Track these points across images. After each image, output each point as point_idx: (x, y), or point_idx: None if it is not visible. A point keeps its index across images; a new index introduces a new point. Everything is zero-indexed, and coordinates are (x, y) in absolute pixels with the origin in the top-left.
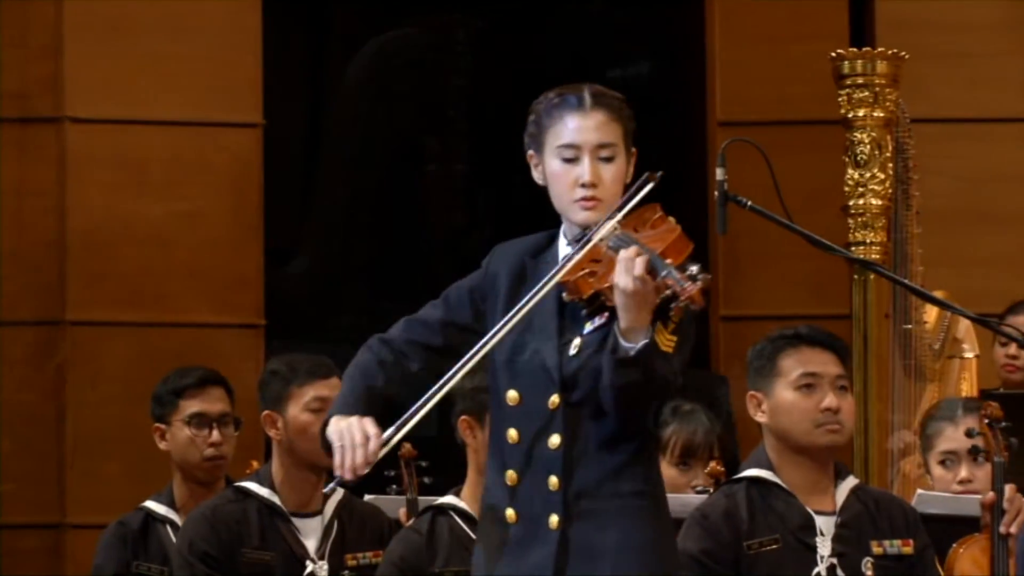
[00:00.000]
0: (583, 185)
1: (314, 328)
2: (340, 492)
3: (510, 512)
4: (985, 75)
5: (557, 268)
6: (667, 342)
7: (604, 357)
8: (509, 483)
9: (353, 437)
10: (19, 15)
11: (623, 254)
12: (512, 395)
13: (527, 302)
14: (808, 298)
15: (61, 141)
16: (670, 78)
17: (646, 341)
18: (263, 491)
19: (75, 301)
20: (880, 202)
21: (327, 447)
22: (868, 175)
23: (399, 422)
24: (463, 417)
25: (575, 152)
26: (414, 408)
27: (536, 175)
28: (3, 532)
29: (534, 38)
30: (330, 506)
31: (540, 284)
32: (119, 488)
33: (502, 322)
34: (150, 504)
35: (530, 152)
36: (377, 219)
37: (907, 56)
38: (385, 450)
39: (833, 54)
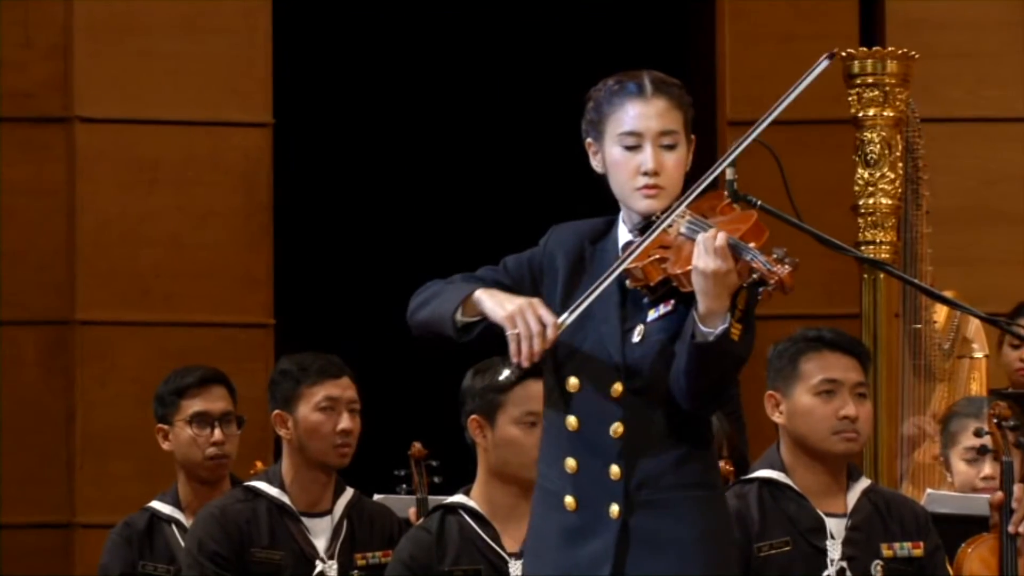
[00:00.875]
0: (645, 173)
1: (325, 328)
2: (349, 492)
3: (570, 499)
4: (995, 75)
5: (628, 252)
6: (734, 330)
7: (680, 343)
8: (568, 471)
9: (530, 325)
10: (29, 15)
11: (703, 236)
12: (573, 382)
13: (605, 278)
14: (818, 297)
15: (71, 141)
16: (679, 77)
17: (725, 326)
18: (273, 491)
19: (85, 301)
20: (890, 201)
21: (464, 330)
22: (878, 175)
23: (573, 307)
24: (473, 417)
25: (637, 140)
26: (587, 292)
27: (595, 163)
28: (12, 531)
29: (542, 35)
30: (340, 506)
31: (614, 266)
32: (128, 488)
33: (584, 294)
34: (155, 504)
35: (588, 140)
36: (389, 218)
37: (917, 56)
38: (560, 332)
39: (843, 53)
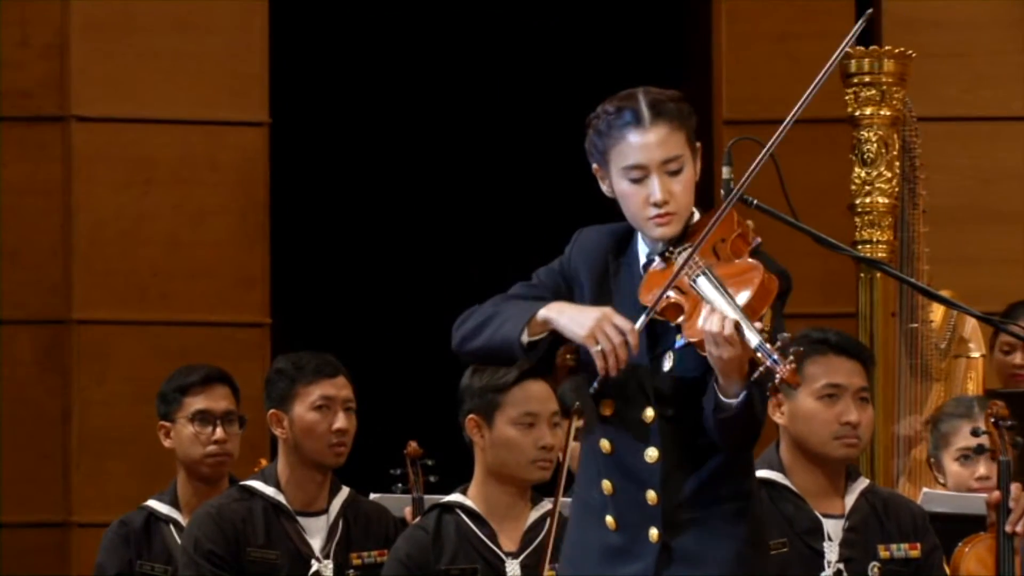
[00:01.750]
0: (655, 204)
1: (321, 327)
2: (345, 491)
3: (610, 519)
4: (992, 74)
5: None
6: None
7: (707, 406)
8: (605, 492)
9: (611, 338)
10: (25, 13)
11: (707, 326)
12: (605, 405)
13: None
14: (815, 297)
15: (67, 140)
16: (676, 76)
17: (746, 393)
18: (268, 490)
19: (81, 300)
20: (887, 201)
21: (531, 350)
22: (875, 174)
23: (649, 310)
24: (471, 416)
25: (642, 172)
26: (661, 291)
27: (604, 188)
28: (9, 530)
29: (539, 34)
30: (335, 505)
31: (638, 324)
32: (125, 487)
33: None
34: (152, 503)
35: (595, 166)
36: (385, 217)
37: (914, 55)
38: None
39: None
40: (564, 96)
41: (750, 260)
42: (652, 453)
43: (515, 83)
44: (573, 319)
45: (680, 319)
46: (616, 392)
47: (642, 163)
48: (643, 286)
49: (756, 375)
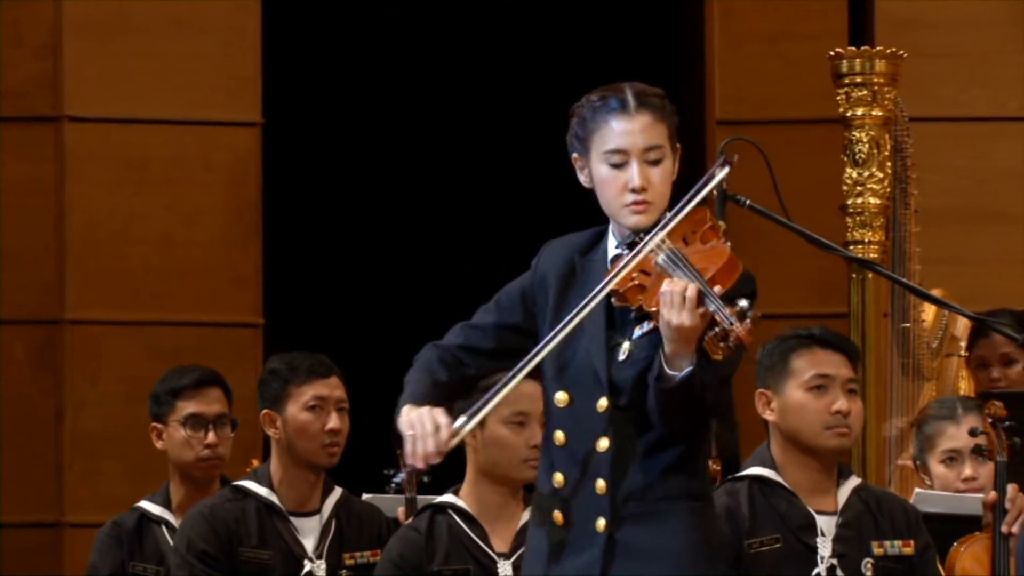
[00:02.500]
0: (633, 190)
1: (314, 327)
2: (337, 492)
3: (557, 515)
4: (984, 74)
5: (608, 277)
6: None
7: (649, 381)
8: (556, 485)
9: (424, 426)
10: (18, 13)
11: (668, 286)
12: (561, 396)
13: (583, 307)
14: (807, 297)
15: (60, 140)
16: (669, 76)
17: (691, 368)
18: (261, 490)
19: (74, 300)
20: (878, 201)
21: (399, 442)
22: (866, 174)
23: (469, 412)
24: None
25: (623, 157)
26: (484, 399)
27: (582, 178)
28: (2, 531)
29: (532, 34)
30: (328, 505)
31: (593, 292)
32: (118, 487)
33: (561, 323)
34: (145, 504)
35: (575, 155)
36: (378, 218)
37: (906, 55)
38: (456, 441)
39: (832, 53)
40: (556, 95)
41: (722, 245)
42: (603, 443)
43: (507, 82)
44: (405, 414)
45: (638, 303)
46: (571, 383)
47: (624, 147)
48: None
49: (712, 334)
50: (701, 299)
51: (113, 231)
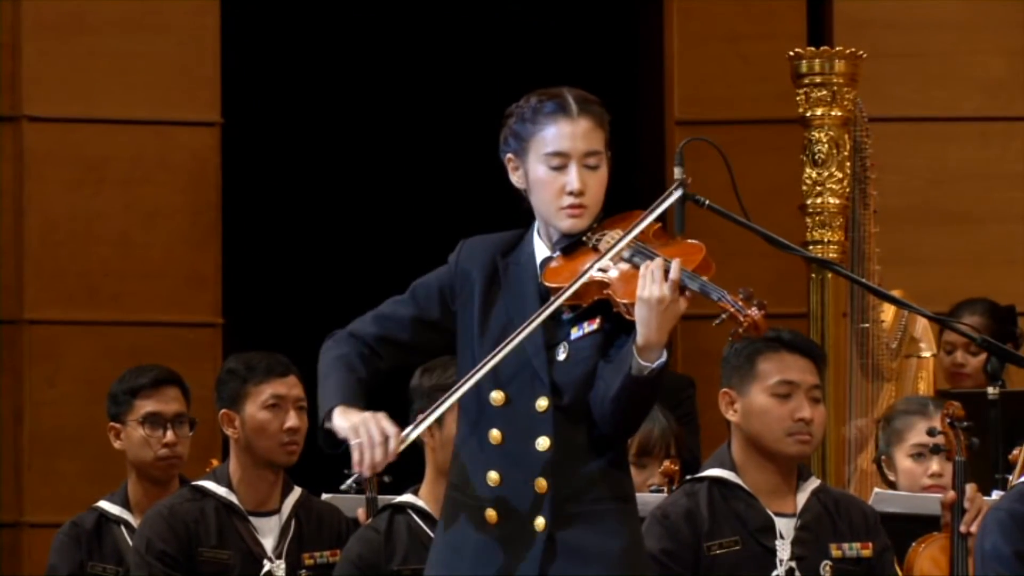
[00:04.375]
0: (571, 193)
1: (272, 327)
2: (297, 491)
3: (491, 512)
4: (942, 75)
5: (564, 290)
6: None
7: (609, 369)
8: (491, 484)
9: (372, 435)
10: None
11: (650, 264)
12: (497, 396)
13: (547, 307)
14: (766, 297)
15: (19, 140)
16: (628, 77)
17: (663, 360)
18: (220, 490)
19: (33, 300)
20: (838, 201)
21: (329, 441)
22: (826, 174)
23: (418, 420)
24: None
25: (563, 160)
26: (434, 407)
27: (515, 178)
28: None
29: (492, 34)
30: (287, 505)
31: (557, 295)
32: (77, 487)
33: (524, 324)
34: (103, 504)
35: (508, 155)
36: (337, 218)
37: (865, 55)
38: (403, 447)
39: (791, 53)
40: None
41: (691, 241)
42: (543, 442)
43: (466, 81)
44: (347, 416)
45: (602, 294)
46: (507, 382)
47: (565, 150)
48: (547, 273)
49: (718, 322)
50: (704, 293)
51: (72, 231)
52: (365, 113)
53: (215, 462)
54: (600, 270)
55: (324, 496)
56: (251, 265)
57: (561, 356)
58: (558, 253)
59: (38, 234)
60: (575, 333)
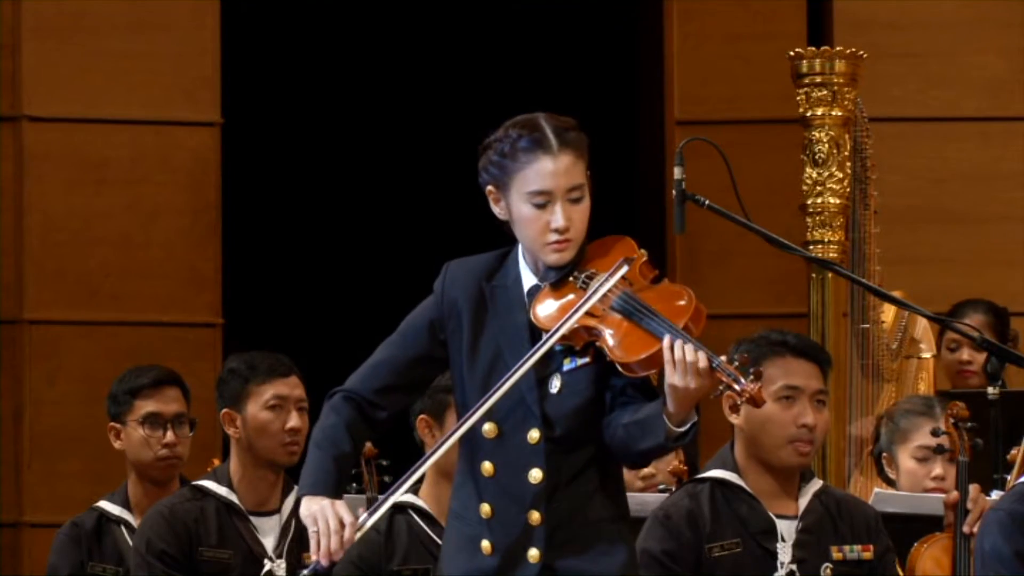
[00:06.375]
0: (556, 230)
1: (273, 327)
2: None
3: (486, 544)
4: (942, 75)
5: (551, 332)
6: None
7: (638, 429)
8: (484, 515)
9: (328, 523)
10: None
11: (679, 354)
12: (488, 428)
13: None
14: (766, 297)
15: (19, 140)
16: (628, 77)
17: (695, 420)
18: (221, 490)
19: (33, 300)
20: (838, 201)
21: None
22: (826, 174)
23: (373, 508)
24: (422, 416)
25: (547, 198)
26: (387, 493)
27: (497, 210)
28: None
29: (492, 35)
30: (288, 505)
31: (543, 342)
32: (77, 487)
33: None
34: (104, 504)
35: (489, 188)
36: (337, 218)
37: (865, 55)
38: (360, 533)
39: (791, 53)
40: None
41: (674, 285)
42: (536, 474)
43: (467, 84)
44: (307, 505)
45: (592, 342)
46: (499, 415)
47: (548, 189)
48: (536, 309)
49: (717, 395)
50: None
51: (72, 231)
52: (365, 113)
53: (216, 462)
54: (592, 315)
55: None
56: (251, 265)
57: (554, 388)
58: (546, 285)
59: (38, 234)
60: (567, 365)
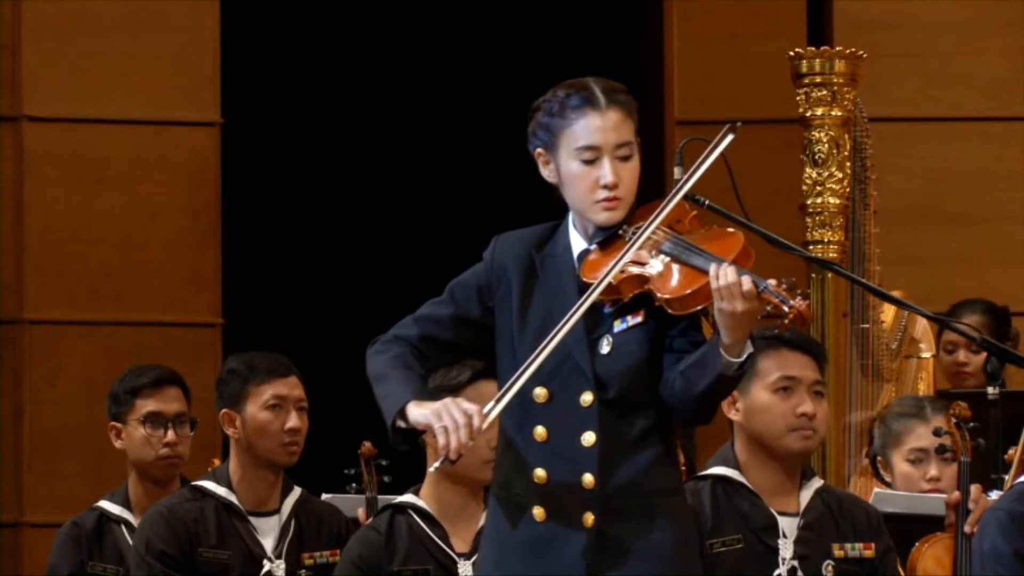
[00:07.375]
0: (605, 186)
1: (273, 327)
2: (297, 491)
3: (539, 510)
4: (942, 75)
5: (600, 280)
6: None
7: (695, 369)
8: (538, 481)
9: (455, 418)
10: None
11: (723, 280)
12: (540, 392)
13: (585, 299)
14: None
15: (19, 140)
16: (628, 76)
17: (750, 351)
18: (220, 490)
19: (33, 300)
20: (838, 201)
21: (403, 438)
22: (826, 174)
23: (497, 396)
24: None
25: (595, 153)
26: (510, 382)
27: (546, 173)
28: None
29: (492, 34)
30: (287, 505)
31: (595, 285)
32: (77, 487)
33: (567, 316)
34: (104, 504)
35: (539, 150)
36: (337, 218)
37: (865, 55)
38: (487, 423)
39: (791, 53)
40: (517, 94)
41: (722, 229)
42: (589, 437)
43: (467, 81)
44: (423, 407)
45: (643, 288)
46: (550, 378)
47: (596, 144)
48: (585, 268)
49: (764, 314)
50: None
51: (72, 231)
52: (365, 112)
53: (216, 462)
54: (638, 263)
55: (324, 496)
56: (251, 265)
57: (605, 349)
58: (595, 246)
59: (38, 234)
60: (618, 326)
